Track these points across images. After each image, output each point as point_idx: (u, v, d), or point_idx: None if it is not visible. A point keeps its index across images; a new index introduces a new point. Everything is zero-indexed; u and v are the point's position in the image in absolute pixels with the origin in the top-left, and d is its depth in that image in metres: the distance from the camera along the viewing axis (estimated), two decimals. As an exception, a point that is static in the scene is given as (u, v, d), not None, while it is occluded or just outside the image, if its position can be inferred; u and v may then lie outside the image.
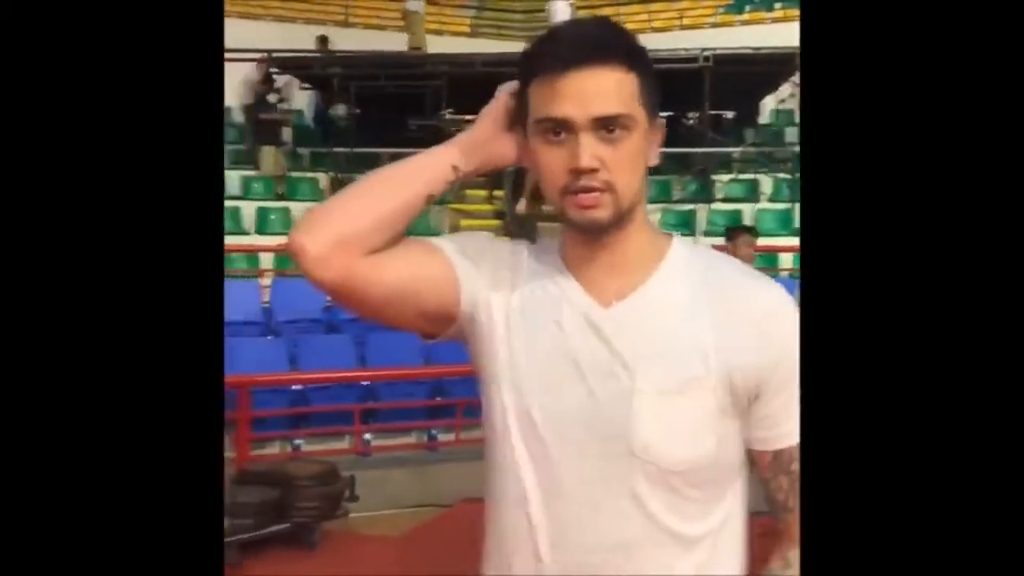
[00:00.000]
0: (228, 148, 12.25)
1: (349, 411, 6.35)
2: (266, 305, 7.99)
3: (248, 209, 10.77)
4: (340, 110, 11.83)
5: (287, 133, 12.35)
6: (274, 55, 12.07)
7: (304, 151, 12.45)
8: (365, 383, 6.84)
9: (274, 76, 11.99)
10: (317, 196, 11.62)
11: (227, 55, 8.69)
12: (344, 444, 6.37)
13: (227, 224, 10.31)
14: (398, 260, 1.26)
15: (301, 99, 13.06)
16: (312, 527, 4.78)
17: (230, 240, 9.66)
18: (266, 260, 9.23)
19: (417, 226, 1.57)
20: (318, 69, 12.18)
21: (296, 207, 11.09)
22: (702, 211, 10.91)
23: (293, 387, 6.60)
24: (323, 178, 11.92)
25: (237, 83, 12.00)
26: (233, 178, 11.50)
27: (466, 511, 4.77)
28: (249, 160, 11.87)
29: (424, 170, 1.29)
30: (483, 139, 1.30)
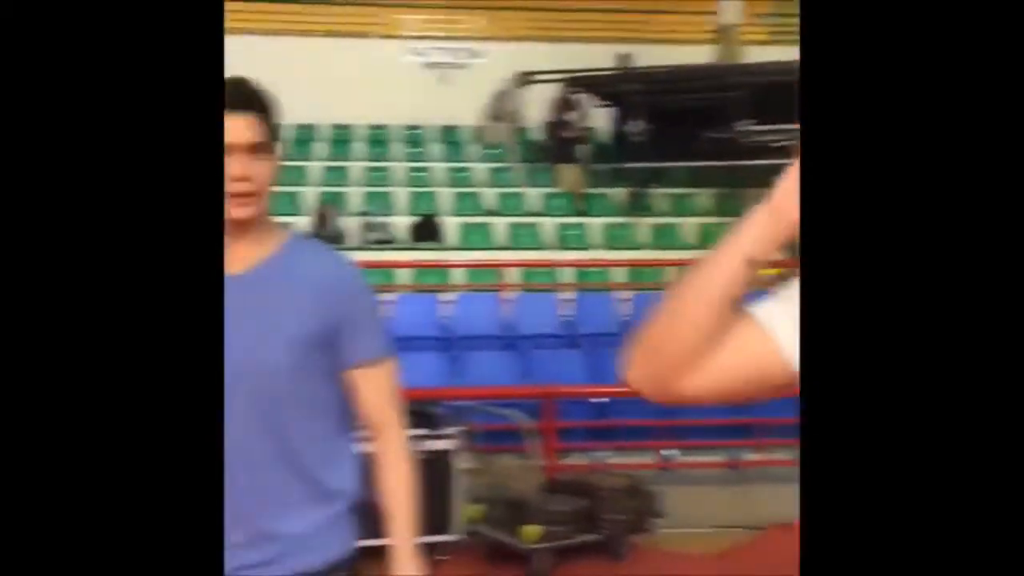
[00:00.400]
0: (528, 166, 12.66)
1: (652, 426, 6.32)
2: (568, 319, 8.13)
3: (549, 226, 11.04)
4: (637, 125, 11.90)
5: (585, 151, 12.57)
6: (574, 75, 12.35)
7: (602, 167, 12.62)
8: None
9: (573, 95, 12.25)
10: (614, 212, 11.72)
11: (527, 77, 8.92)
12: (646, 459, 6.34)
13: (528, 240, 10.62)
14: (722, 361, 1.23)
15: (598, 117, 13.25)
16: (621, 539, 4.79)
17: (532, 255, 9.95)
18: (567, 275, 9.40)
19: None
20: (616, 86, 12.32)
21: (594, 223, 11.24)
22: None
23: (595, 400, 6.66)
24: (621, 193, 12.03)
25: (540, 103, 12.40)
26: (534, 195, 11.85)
27: (777, 537, 4.59)
28: (549, 178, 12.20)
29: (718, 276, 1.24)
30: (784, 210, 1.18)
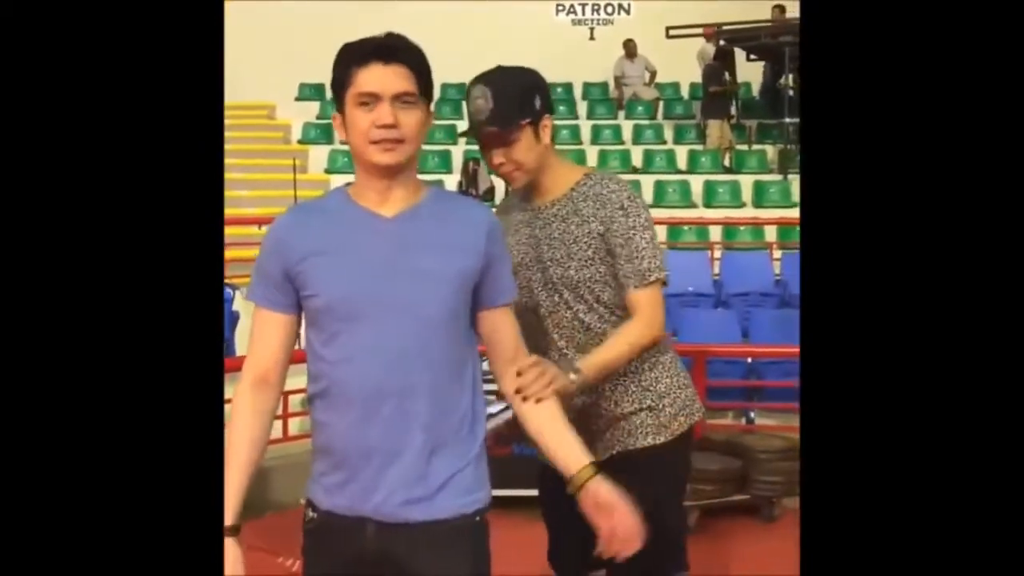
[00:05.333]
0: (676, 123, 12.46)
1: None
2: (716, 277, 8.02)
3: (696, 183, 10.87)
4: (788, 80, 11.54)
5: (734, 106, 12.29)
6: (723, 27, 12.05)
7: (751, 123, 12.32)
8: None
9: (725, 49, 11.96)
10: (764, 168, 11.44)
11: (673, 31, 8.78)
12: (796, 421, 6.22)
13: (677, 197, 10.49)
14: None
15: (749, 71, 12.91)
16: (772, 501, 4.73)
17: (681, 213, 9.82)
18: (715, 233, 9.25)
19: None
20: (767, 39, 11.96)
21: (744, 180, 11.01)
22: None
23: (747, 360, 6.56)
24: (770, 150, 11.72)
25: (689, 59, 12.18)
26: (682, 152, 11.67)
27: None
28: (697, 135, 11.99)
29: None
30: None
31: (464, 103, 2.24)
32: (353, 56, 1.79)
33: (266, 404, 1.83)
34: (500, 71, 2.24)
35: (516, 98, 2.19)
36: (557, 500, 2.35)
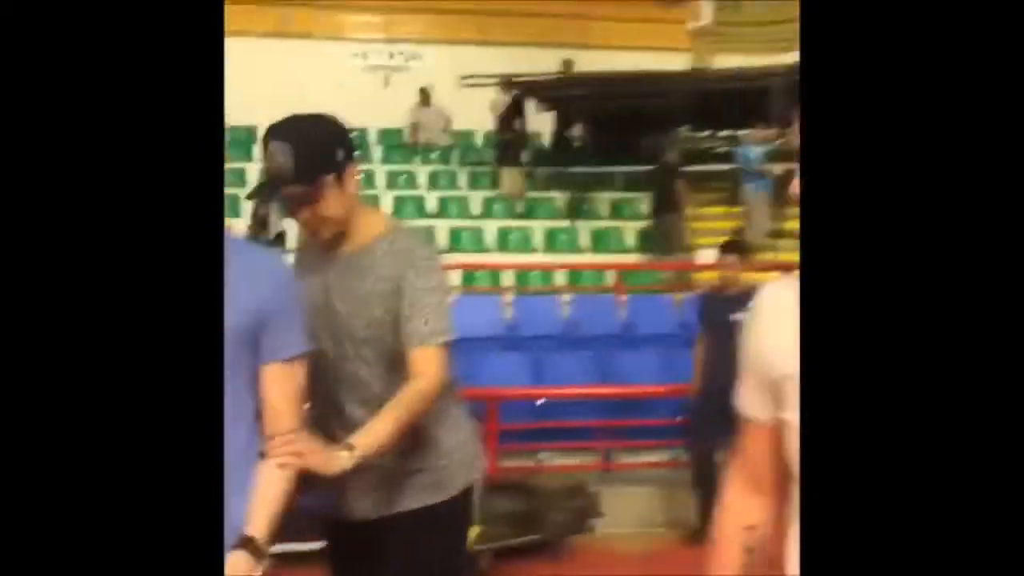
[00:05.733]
0: (470, 170, 12.68)
1: (594, 427, 6.37)
2: (509, 321, 8.17)
3: (490, 228, 11.07)
4: (576, 130, 11.98)
5: (525, 155, 12.62)
6: (514, 79, 12.39)
7: (542, 171, 12.69)
8: (607, 399, 6.85)
9: (517, 99, 12.29)
10: (555, 215, 11.80)
11: (466, 80, 8.92)
12: (588, 460, 6.39)
13: (470, 243, 10.64)
14: None
15: (539, 121, 13.31)
16: (561, 540, 4.83)
17: (473, 258, 9.97)
18: (507, 278, 9.43)
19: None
20: (557, 91, 12.39)
21: (535, 225, 11.30)
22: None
23: (537, 402, 6.69)
24: (559, 197, 12.10)
25: (481, 107, 12.42)
26: (476, 199, 11.87)
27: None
28: (491, 182, 12.24)
29: None
30: None
31: (257, 150, 2.19)
32: None
33: None
34: (297, 122, 2.11)
35: (318, 152, 2.08)
36: (342, 557, 2.32)
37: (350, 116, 2.19)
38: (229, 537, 1.71)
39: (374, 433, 2.04)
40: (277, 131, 2.08)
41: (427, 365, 2.12)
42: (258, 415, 1.86)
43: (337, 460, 1.95)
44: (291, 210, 2.16)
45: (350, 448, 1.98)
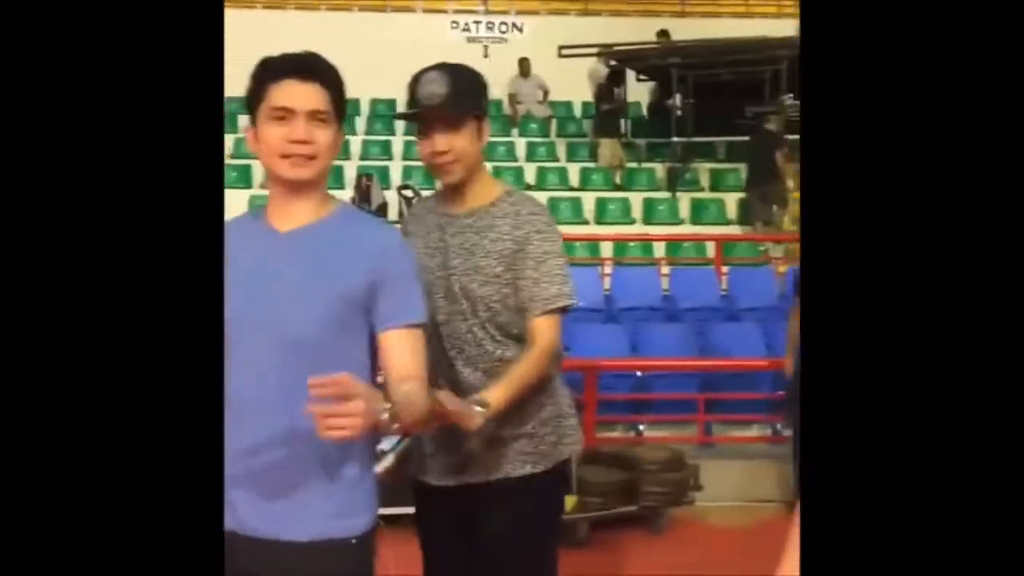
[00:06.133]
0: (568, 141, 12.64)
1: (693, 399, 6.34)
2: (607, 292, 8.15)
3: (588, 200, 11.04)
4: (676, 100, 11.83)
5: (624, 125, 12.53)
6: (614, 48, 12.29)
7: (640, 142, 12.58)
8: (705, 372, 6.79)
9: (616, 69, 12.19)
10: (653, 186, 11.70)
11: (565, 51, 8.83)
12: (687, 432, 6.36)
13: (568, 214, 10.63)
14: None
15: (639, 91, 13.18)
16: (659, 512, 4.83)
17: (572, 229, 9.96)
18: (606, 249, 9.40)
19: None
20: (656, 60, 12.24)
21: (634, 197, 11.23)
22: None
23: (636, 374, 6.68)
24: (659, 168, 11.98)
25: (580, 78, 12.37)
26: (574, 170, 11.85)
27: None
28: (589, 153, 12.19)
29: None
30: None
31: (413, 90, 2.19)
32: (270, 71, 1.79)
33: None
34: (449, 65, 2.23)
35: (468, 90, 2.19)
36: (432, 523, 2.36)
37: None
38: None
39: (505, 393, 2.08)
40: (434, 66, 2.20)
41: (549, 331, 2.17)
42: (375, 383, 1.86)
43: (474, 416, 1.98)
44: (427, 141, 2.19)
45: (484, 405, 2.02)
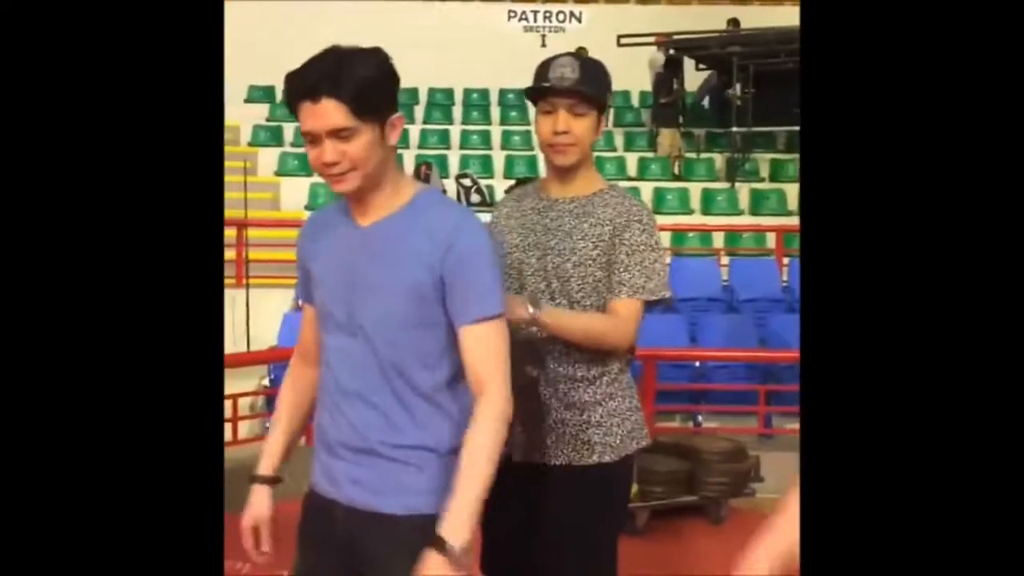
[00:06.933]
0: (626, 131, 12.58)
1: (753, 391, 6.28)
2: (666, 282, 8.10)
3: (646, 190, 10.99)
4: (736, 89, 11.72)
5: (683, 115, 12.43)
6: (673, 37, 12.20)
7: (699, 131, 12.48)
8: (765, 364, 6.73)
9: (675, 58, 12.10)
10: (712, 176, 11.61)
11: (624, 40, 8.78)
12: (746, 424, 6.30)
13: (625, 204, 10.58)
14: None
15: (698, 81, 13.07)
16: (720, 502, 4.80)
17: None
18: (664, 239, 9.34)
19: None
20: (716, 49, 12.13)
21: (692, 187, 11.15)
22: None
23: (695, 364, 6.65)
24: (718, 158, 11.88)
25: (638, 67, 12.30)
26: (632, 159, 11.79)
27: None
28: (647, 142, 12.12)
29: None
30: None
31: (541, 73, 2.25)
32: (288, 94, 1.76)
33: (305, 377, 2.02)
34: (583, 55, 2.31)
35: (600, 78, 2.26)
36: (495, 502, 2.37)
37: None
38: None
39: (565, 316, 2.18)
40: (567, 54, 2.28)
41: (626, 311, 2.19)
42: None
43: (524, 306, 2.08)
44: (547, 121, 2.24)
45: (537, 306, 2.12)
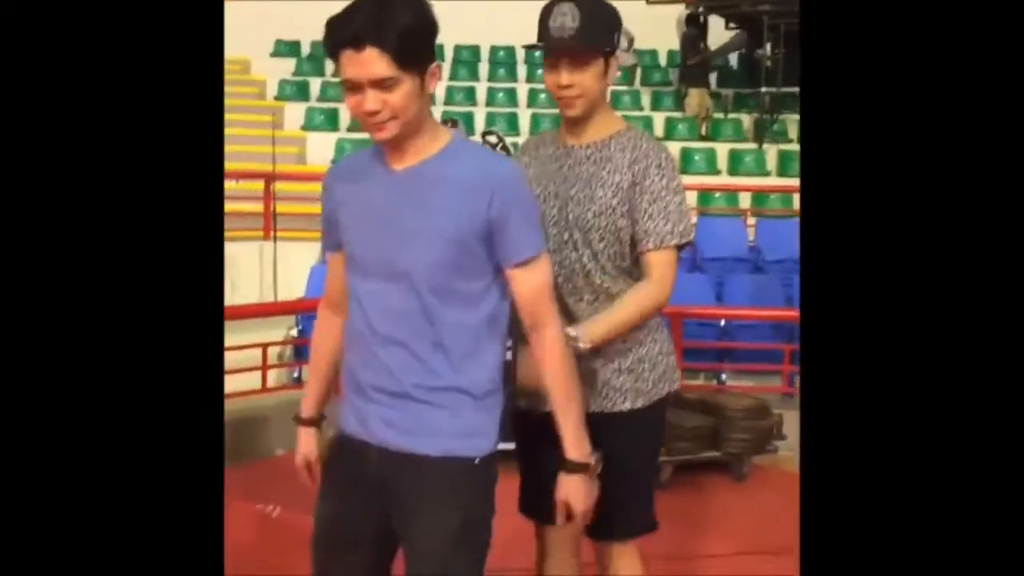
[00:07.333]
0: (653, 90, 12.49)
1: (777, 350, 6.29)
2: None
3: (673, 150, 10.91)
4: (766, 49, 11.59)
5: (711, 75, 12.33)
6: (703, -5, 12.07)
7: (727, 92, 12.37)
8: (790, 323, 6.73)
9: (704, 17, 11.97)
10: (740, 137, 11.53)
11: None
12: (770, 383, 6.32)
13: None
14: None
15: (723, 39, 12.93)
16: (742, 459, 4.83)
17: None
18: (690, 199, 9.31)
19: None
20: (747, 8, 11.97)
21: (719, 147, 11.08)
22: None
23: (720, 322, 6.66)
24: (746, 119, 11.79)
25: (666, 26, 12.18)
26: (659, 119, 11.72)
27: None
28: (675, 102, 12.03)
29: None
30: None
31: (544, 20, 2.17)
32: (329, 41, 1.76)
33: (335, 325, 2.05)
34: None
35: (600, 25, 2.18)
36: (532, 448, 2.39)
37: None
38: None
39: (607, 326, 2.15)
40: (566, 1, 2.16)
41: (666, 268, 2.19)
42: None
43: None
44: (552, 74, 2.20)
45: (576, 340, 2.07)
